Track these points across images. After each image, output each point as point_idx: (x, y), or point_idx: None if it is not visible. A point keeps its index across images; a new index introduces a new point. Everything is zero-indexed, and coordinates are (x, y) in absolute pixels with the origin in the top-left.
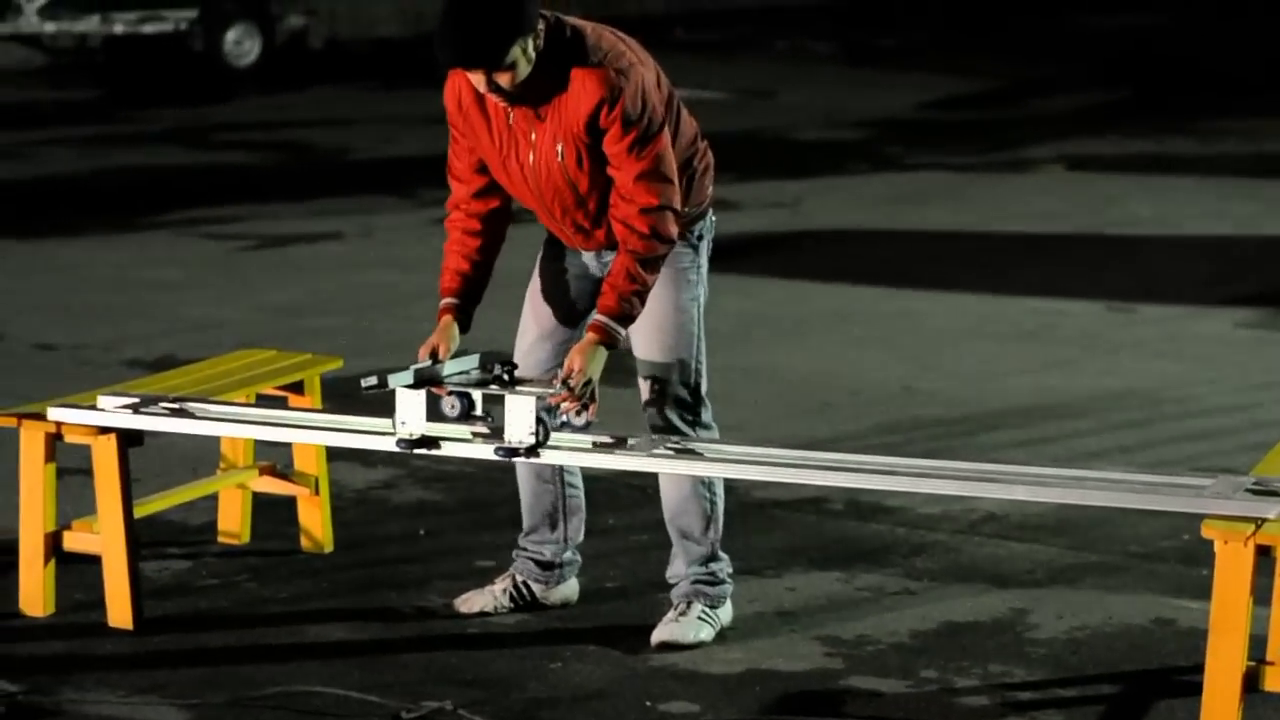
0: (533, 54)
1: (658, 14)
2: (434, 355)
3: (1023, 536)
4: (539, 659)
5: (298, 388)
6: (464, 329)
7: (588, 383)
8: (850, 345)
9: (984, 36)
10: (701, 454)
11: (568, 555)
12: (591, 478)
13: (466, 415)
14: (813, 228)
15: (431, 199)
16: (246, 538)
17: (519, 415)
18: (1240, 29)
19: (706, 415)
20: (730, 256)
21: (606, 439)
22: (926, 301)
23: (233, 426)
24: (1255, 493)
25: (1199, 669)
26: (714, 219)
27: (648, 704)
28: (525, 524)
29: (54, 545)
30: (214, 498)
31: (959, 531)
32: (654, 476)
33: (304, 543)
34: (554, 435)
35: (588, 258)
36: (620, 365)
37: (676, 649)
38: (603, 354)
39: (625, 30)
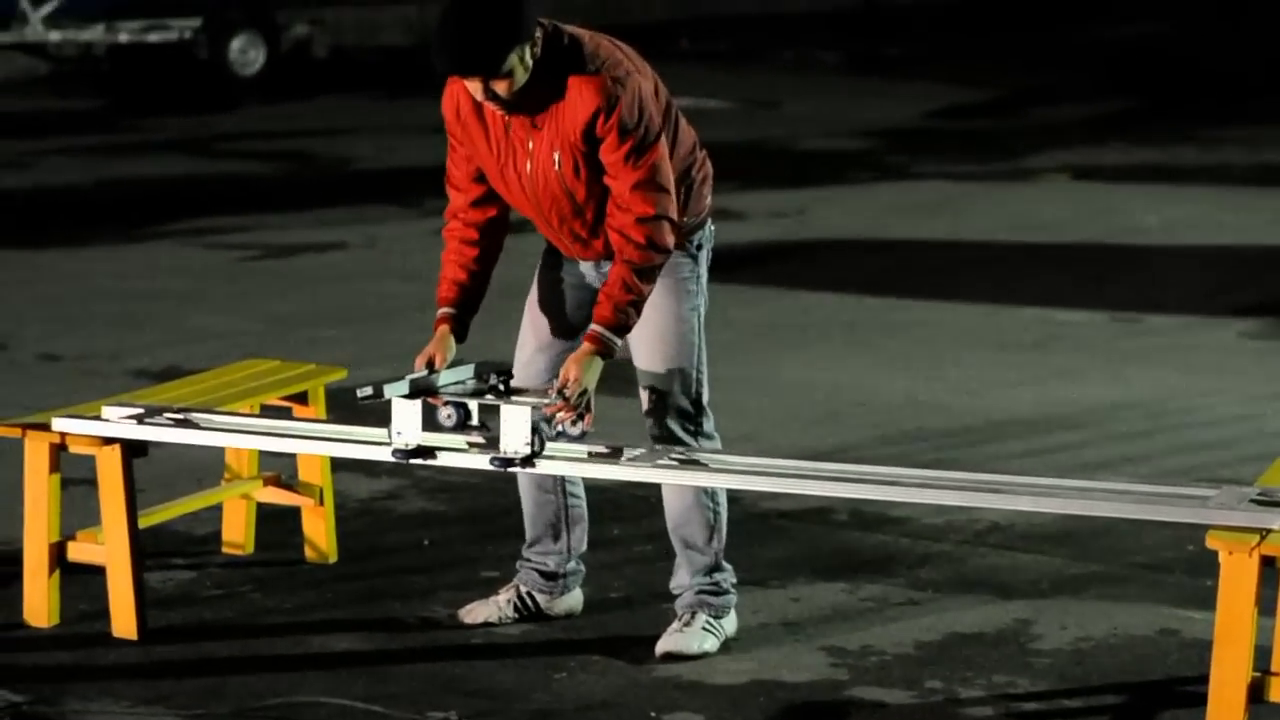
0: (530, 62)
1: (663, 23)
2: (430, 365)
3: (1027, 547)
4: (543, 670)
5: (302, 398)
6: (461, 339)
7: (583, 393)
8: (855, 355)
9: (988, 46)
10: (705, 465)
11: (571, 566)
12: (595, 488)
13: (463, 425)
14: (817, 237)
15: (436, 209)
16: (251, 548)
17: (514, 425)
18: (1243, 35)
19: (709, 425)
20: (735, 266)
21: (602, 449)
22: (931, 311)
23: (236, 437)
24: (1260, 503)
25: (1204, 680)
26: (713, 229)
27: (652, 715)
28: (528, 535)
29: (58, 556)
30: (218, 508)
31: (963, 542)
32: (658, 486)
33: (308, 553)
34: (550, 445)
35: (586, 268)
36: (619, 374)
37: (681, 660)
38: (598, 364)
39: (630, 39)
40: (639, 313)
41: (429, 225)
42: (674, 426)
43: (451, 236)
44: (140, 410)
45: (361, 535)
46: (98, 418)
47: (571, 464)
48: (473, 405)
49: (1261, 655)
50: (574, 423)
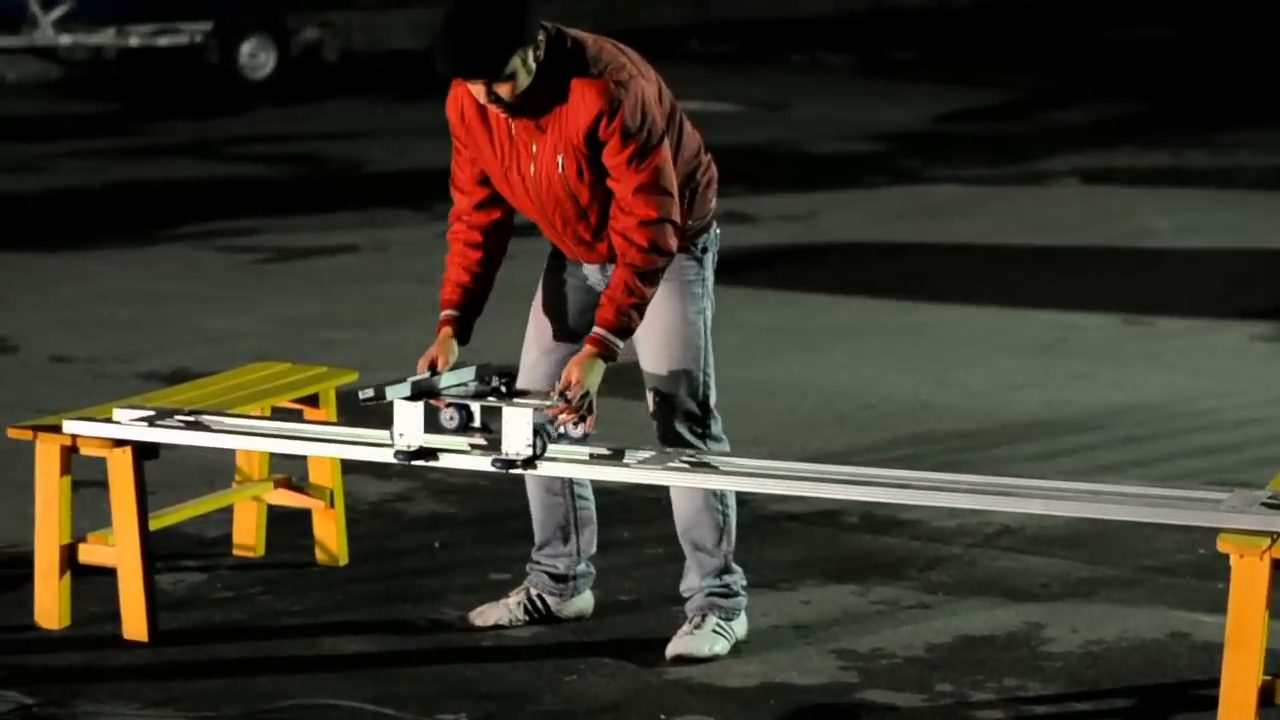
0: (533, 65)
1: (671, 27)
2: (433, 367)
3: (1038, 550)
4: (553, 672)
5: (313, 400)
6: (463, 341)
7: (585, 395)
8: (865, 358)
9: (997, 49)
10: (715, 467)
11: (581, 568)
12: (605, 491)
13: (465, 427)
14: (827, 240)
15: (446, 212)
16: (261, 550)
17: (516, 427)
18: (1253, 38)
19: (716, 428)
20: (744, 269)
21: (604, 451)
22: (941, 314)
23: (247, 439)
24: (1271, 506)
25: (1214, 683)
26: (718, 231)
27: (662, 717)
28: (537, 538)
29: (69, 558)
30: (229, 510)
31: (974, 545)
32: (667, 489)
33: (319, 555)
34: (551, 447)
35: (590, 270)
36: (623, 376)
37: (691, 662)
38: (600, 366)
39: (639, 43)
40: (641, 315)
41: (440, 228)
42: (681, 430)
43: (455, 239)
44: (151, 412)
45: (372, 537)
46: (109, 420)
47: (572, 465)
48: (475, 407)
49: (1273, 658)
50: (575, 424)
